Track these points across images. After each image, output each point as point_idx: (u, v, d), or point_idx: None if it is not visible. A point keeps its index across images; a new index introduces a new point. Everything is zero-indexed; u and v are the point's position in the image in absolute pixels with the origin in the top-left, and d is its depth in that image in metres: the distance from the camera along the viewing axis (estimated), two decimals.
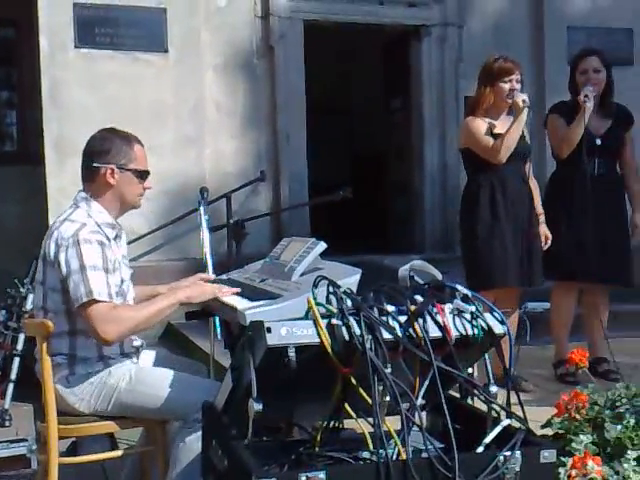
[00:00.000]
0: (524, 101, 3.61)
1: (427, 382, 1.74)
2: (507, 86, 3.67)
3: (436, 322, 1.74)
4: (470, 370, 1.87)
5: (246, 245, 5.26)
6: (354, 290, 1.95)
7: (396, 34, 6.92)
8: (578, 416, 2.20)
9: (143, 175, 2.54)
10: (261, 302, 2.30)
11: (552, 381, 4.03)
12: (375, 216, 7.92)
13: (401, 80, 6.97)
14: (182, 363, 2.79)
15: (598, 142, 3.92)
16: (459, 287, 1.81)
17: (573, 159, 3.91)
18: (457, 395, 1.94)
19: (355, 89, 9.12)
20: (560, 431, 2.28)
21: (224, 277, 2.98)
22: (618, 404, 2.26)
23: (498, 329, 1.78)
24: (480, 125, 3.73)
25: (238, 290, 2.47)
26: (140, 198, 2.59)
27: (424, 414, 2.03)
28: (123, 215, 2.64)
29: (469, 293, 1.80)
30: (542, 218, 3.89)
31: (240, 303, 2.35)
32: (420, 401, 1.78)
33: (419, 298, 1.76)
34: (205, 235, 3.93)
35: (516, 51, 6.75)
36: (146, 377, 2.48)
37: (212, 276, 2.98)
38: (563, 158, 3.97)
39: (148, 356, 2.68)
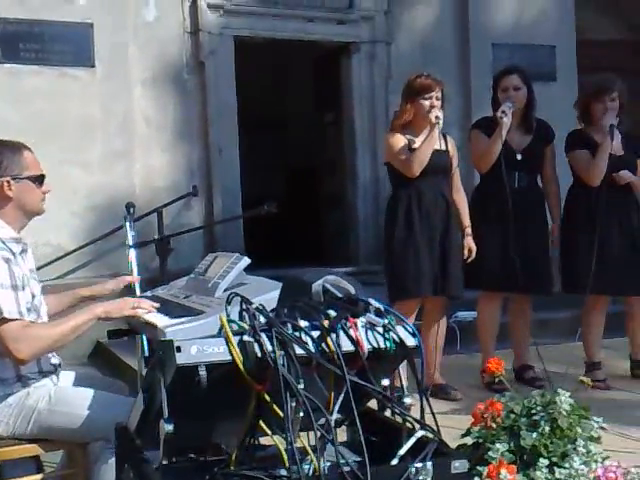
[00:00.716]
0: (437, 117, 3.69)
1: (342, 396, 1.75)
2: (427, 103, 3.76)
3: (349, 336, 1.75)
4: (386, 382, 1.89)
5: (178, 260, 5.24)
6: (274, 305, 1.95)
7: (327, 50, 7.00)
8: (494, 425, 2.24)
9: (39, 180, 2.50)
10: (182, 319, 2.29)
11: (481, 389, 4.10)
12: (310, 229, 7.96)
13: (333, 95, 7.05)
14: (103, 382, 2.75)
15: (519, 157, 4.04)
16: (372, 301, 1.84)
17: (494, 173, 4.01)
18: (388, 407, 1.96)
19: (289, 104, 9.18)
20: (479, 440, 2.32)
21: (149, 294, 2.95)
22: (534, 412, 2.32)
23: (410, 341, 1.81)
24: (398, 140, 3.82)
25: (157, 305, 2.45)
26: (43, 203, 2.54)
27: (343, 428, 2.05)
28: (36, 228, 2.60)
29: (382, 306, 1.82)
30: (468, 230, 3.97)
31: (161, 320, 2.33)
32: (336, 415, 1.79)
33: (332, 313, 1.77)
34: (131, 252, 3.89)
35: (443, 67, 6.92)
36: (66, 397, 2.43)
37: (136, 278, 2.98)
38: (483, 172, 4.07)
39: (67, 377, 2.63)
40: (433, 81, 3.81)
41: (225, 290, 2.55)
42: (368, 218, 6.84)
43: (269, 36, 6.56)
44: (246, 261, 2.76)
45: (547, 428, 2.25)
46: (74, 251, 5.76)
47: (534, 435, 2.24)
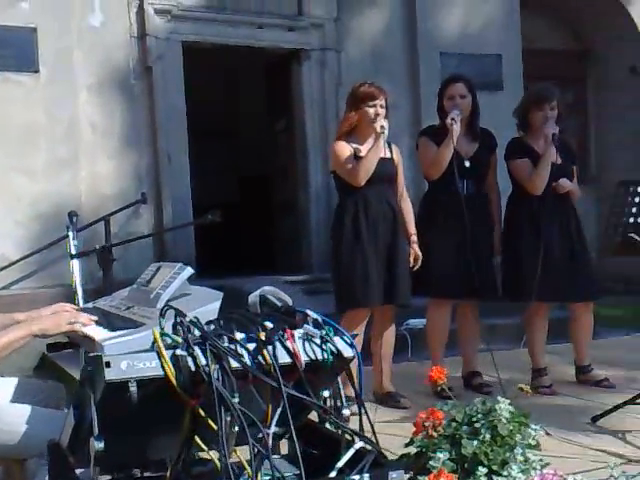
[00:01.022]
0: (382, 127, 3.71)
1: (280, 409, 1.73)
2: (372, 110, 3.77)
3: (286, 348, 1.73)
4: (326, 393, 1.88)
5: (127, 269, 5.16)
6: (215, 316, 1.93)
7: (277, 57, 6.99)
8: (435, 433, 2.25)
9: None
10: (121, 332, 2.24)
11: (430, 396, 4.10)
12: (263, 236, 7.93)
13: (284, 102, 7.04)
14: (45, 388, 2.67)
15: (467, 164, 4.07)
16: (310, 312, 1.82)
17: (443, 180, 4.04)
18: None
19: (241, 110, 9.14)
20: (422, 449, 2.32)
21: (90, 305, 2.89)
22: (475, 420, 2.33)
23: (347, 352, 1.80)
24: (343, 148, 3.82)
25: (95, 318, 2.39)
26: None
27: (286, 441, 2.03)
28: None
29: (319, 317, 1.81)
30: (414, 238, 3.99)
31: (100, 334, 2.28)
32: (274, 429, 1.77)
33: (270, 325, 1.76)
34: (74, 262, 3.82)
35: (392, 75, 6.99)
36: (2, 413, 2.36)
37: (74, 306, 2.87)
38: (434, 179, 4.09)
39: (9, 383, 2.56)
40: (377, 89, 3.83)
41: (167, 301, 2.50)
42: (320, 225, 6.82)
43: (218, 42, 6.51)
44: (189, 271, 2.71)
45: (488, 436, 2.26)
46: (18, 261, 5.63)
47: (475, 443, 2.25)
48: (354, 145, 3.83)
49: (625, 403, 3.56)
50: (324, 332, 1.78)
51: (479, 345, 4.42)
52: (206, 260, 6.61)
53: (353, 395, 1.92)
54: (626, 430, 3.46)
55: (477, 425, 2.31)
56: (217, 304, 2.11)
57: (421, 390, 4.22)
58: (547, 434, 3.41)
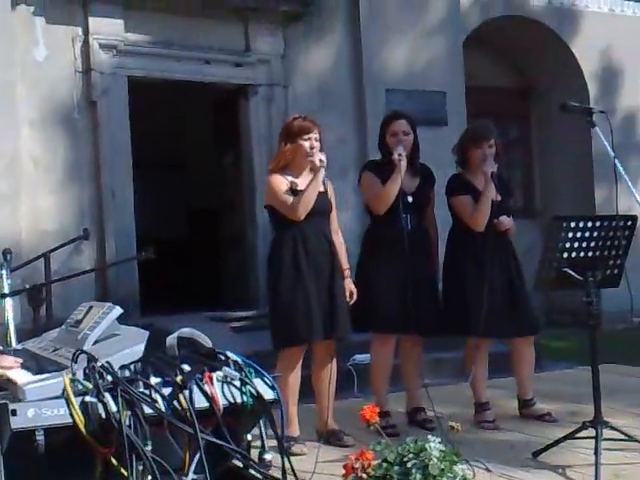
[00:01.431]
0: (321, 160, 3.72)
1: (197, 456, 1.68)
2: (307, 144, 3.78)
3: (204, 392, 1.69)
4: (249, 437, 1.84)
5: (68, 307, 5.01)
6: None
7: (225, 92, 7.00)
8: (364, 475, 2.21)
9: None
10: (44, 375, 2.17)
11: (374, 433, 4.05)
12: (211, 270, 7.86)
13: (232, 136, 7.04)
14: None
15: (410, 199, 4.10)
16: (230, 354, 1.79)
17: (388, 215, 4.05)
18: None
19: (189, 144, 9.12)
20: None
21: (19, 347, 2.81)
22: (406, 460, 2.30)
23: (268, 395, 1.76)
24: (280, 182, 3.80)
25: (20, 360, 2.32)
26: None
27: None
28: None
29: (239, 359, 1.77)
30: (347, 273, 3.97)
31: (23, 377, 2.21)
32: (192, 476, 1.72)
33: (187, 368, 1.71)
34: (7, 301, 3.72)
35: (339, 111, 7.06)
36: None
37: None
38: (381, 214, 4.08)
39: None
40: (311, 122, 3.84)
41: (95, 342, 2.45)
42: None
43: (165, 77, 6.50)
44: (118, 311, 2.67)
45: (419, 476, 2.24)
46: None
47: None
48: (290, 178, 3.83)
49: (565, 438, 3.57)
50: (244, 374, 1.74)
51: (423, 380, 4.41)
52: (152, 296, 6.53)
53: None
54: (566, 465, 3.47)
55: (409, 465, 2.28)
56: (142, 345, 2.06)
57: (365, 427, 4.19)
58: (487, 470, 3.42)
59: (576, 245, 3.47)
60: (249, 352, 2.46)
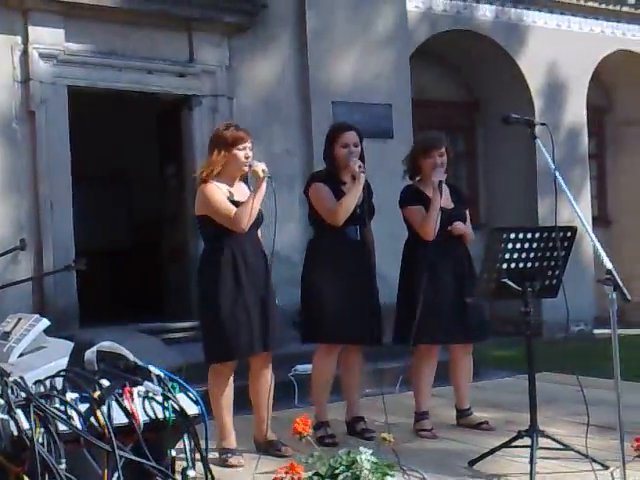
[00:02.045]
0: (264, 171, 3.69)
1: (117, 474, 1.64)
2: (242, 153, 3.75)
3: (123, 408, 1.65)
4: (173, 453, 1.80)
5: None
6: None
7: (169, 103, 6.93)
8: None
9: None
10: None
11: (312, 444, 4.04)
12: (153, 282, 7.76)
13: (174, 148, 6.96)
14: None
15: (358, 211, 4.09)
16: (152, 368, 1.75)
17: (341, 226, 4.03)
18: None
19: (132, 156, 9.01)
20: None
21: None
22: (338, 472, 2.29)
23: (192, 410, 1.73)
24: (217, 192, 3.73)
25: None
26: None
27: None
28: None
29: (162, 373, 1.74)
30: None
31: None
32: None
33: (106, 383, 1.67)
34: None
35: (285, 122, 7.06)
36: None
37: None
38: (339, 225, 4.04)
39: None
40: (245, 132, 3.80)
41: (20, 355, 2.39)
42: None
43: (107, 87, 6.39)
44: (45, 323, 2.61)
45: None
46: None
47: None
48: (225, 187, 3.78)
49: (501, 446, 3.61)
50: (167, 389, 1.70)
51: (363, 390, 4.41)
52: (93, 308, 6.41)
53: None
54: (502, 474, 3.50)
55: (340, 477, 2.27)
56: (66, 358, 2.01)
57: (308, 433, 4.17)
58: (423, 479, 3.44)
59: (515, 256, 3.52)
60: (183, 364, 2.41)
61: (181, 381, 1.76)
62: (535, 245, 3.54)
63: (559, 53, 9.37)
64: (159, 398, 1.70)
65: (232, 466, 3.71)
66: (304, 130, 7.03)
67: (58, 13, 6.17)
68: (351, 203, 4.00)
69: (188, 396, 1.74)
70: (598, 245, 3.20)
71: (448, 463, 3.69)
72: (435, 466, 3.63)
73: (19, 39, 6.09)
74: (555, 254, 3.57)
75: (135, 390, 1.68)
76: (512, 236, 3.49)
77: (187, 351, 4.31)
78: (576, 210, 3.33)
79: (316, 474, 2.28)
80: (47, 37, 6.13)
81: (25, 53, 6.07)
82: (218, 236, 3.75)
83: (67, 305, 6.04)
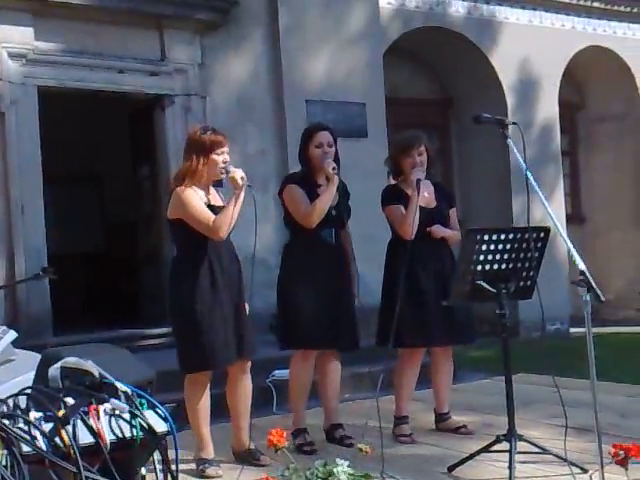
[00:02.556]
0: (242, 178, 3.62)
1: None
2: (220, 158, 3.68)
3: (89, 427, 1.58)
4: (143, 471, 1.73)
5: None
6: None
7: (141, 102, 6.82)
8: None
9: None
10: None
11: (293, 452, 3.97)
12: (129, 286, 7.65)
13: (147, 148, 6.86)
14: None
15: (333, 212, 4.04)
16: (118, 384, 1.68)
17: (316, 229, 3.98)
18: None
19: (106, 156, 8.88)
20: None
21: None
22: None
23: (160, 427, 1.67)
24: (195, 198, 3.66)
25: None
26: None
27: None
28: None
29: (129, 390, 1.67)
30: None
31: None
32: None
33: (70, 401, 1.60)
34: None
35: (259, 121, 6.99)
36: None
37: None
38: (312, 227, 3.99)
39: None
40: (223, 136, 3.72)
41: None
42: None
43: (78, 87, 6.27)
44: (12, 335, 2.53)
45: None
46: None
47: None
48: (201, 192, 3.71)
49: (480, 451, 3.59)
50: (134, 406, 1.64)
51: (342, 395, 4.36)
52: (67, 313, 6.30)
53: None
54: (480, 479, 3.48)
55: None
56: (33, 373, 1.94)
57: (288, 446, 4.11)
58: None
59: (490, 257, 3.49)
60: (154, 377, 2.35)
61: (149, 397, 1.69)
62: (509, 246, 3.51)
63: (531, 49, 9.37)
64: (126, 416, 1.63)
65: (210, 477, 3.66)
66: (278, 129, 6.97)
67: (27, 11, 6.04)
68: (324, 205, 3.95)
69: (157, 413, 1.67)
70: (571, 246, 3.19)
71: (427, 469, 3.67)
72: (414, 472, 3.61)
73: None
74: (529, 255, 3.55)
75: (101, 408, 1.61)
76: (486, 237, 3.46)
77: (162, 358, 4.24)
78: (548, 210, 3.31)
79: None
80: (16, 36, 6.01)
81: None
82: (192, 241, 3.67)
83: (40, 312, 5.93)
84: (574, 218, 10.31)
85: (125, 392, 1.67)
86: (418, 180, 4.04)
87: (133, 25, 6.46)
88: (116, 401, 1.64)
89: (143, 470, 1.69)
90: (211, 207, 3.68)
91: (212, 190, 3.82)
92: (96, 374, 1.69)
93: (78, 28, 6.22)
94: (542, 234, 3.62)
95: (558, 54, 9.63)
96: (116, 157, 8.18)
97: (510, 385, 3.53)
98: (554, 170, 9.65)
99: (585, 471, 3.39)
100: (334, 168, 3.93)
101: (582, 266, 3.12)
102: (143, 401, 1.67)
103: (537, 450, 3.53)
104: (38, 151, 6.06)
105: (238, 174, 3.63)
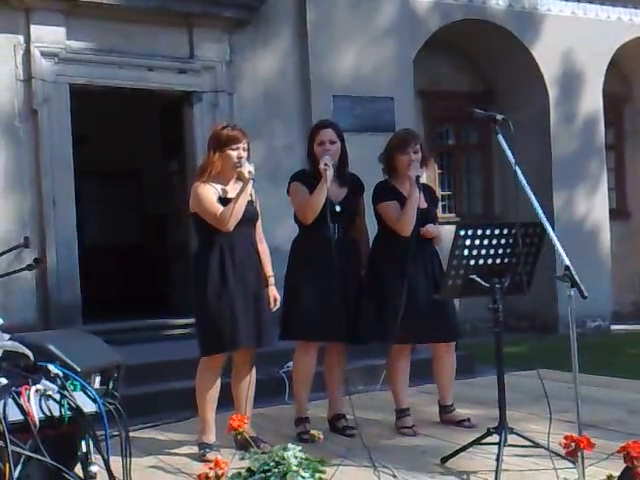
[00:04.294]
0: (250, 172, 3.71)
1: (19, 468, 1.68)
2: (235, 153, 3.77)
3: (19, 406, 1.69)
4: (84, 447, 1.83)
5: (11, 316, 5.02)
6: None
7: (170, 99, 6.99)
8: None
9: None
10: None
11: (294, 440, 4.04)
12: (161, 277, 7.87)
13: (176, 143, 7.03)
14: None
15: (338, 209, 4.09)
16: (51, 367, 1.78)
17: (315, 224, 4.04)
18: None
19: (141, 152, 9.12)
20: None
21: None
22: (267, 468, 2.31)
23: (89, 408, 1.76)
24: (208, 191, 3.77)
25: None
26: None
27: None
28: None
29: (60, 372, 1.77)
30: (272, 280, 3.98)
31: None
32: None
33: (4, 381, 1.71)
34: None
35: (286, 117, 7.07)
36: None
37: None
38: (308, 223, 4.06)
39: None
40: (240, 132, 3.81)
41: None
42: None
43: (108, 84, 6.48)
44: None
45: None
46: None
47: None
48: (219, 187, 3.82)
49: (471, 444, 3.59)
50: (64, 387, 1.74)
51: (352, 387, 4.40)
52: (100, 303, 6.53)
53: None
54: (472, 471, 3.48)
55: (269, 474, 2.29)
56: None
57: (287, 434, 4.19)
58: (393, 476, 3.43)
59: (483, 252, 3.47)
60: (121, 362, 2.46)
61: (80, 380, 1.79)
62: (504, 241, 3.50)
63: (574, 41, 9.18)
64: (57, 396, 1.73)
65: (209, 462, 3.75)
66: (305, 125, 7.00)
67: (59, 12, 6.29)
68: (317, 202, 3.99)
69: (87, 394, 1.77)
70: (556, 241, 3.17)
71: (422, 460, 3.68)
72: (408, 463, 3.62)
73: (21, 38, 6.22)
74: (526, 250, 3.52)
75: (33, 388, 1.72)
76: (477, 232, 3.45)
77: (188, 347, 4.37)
78: (534, 204, 3.30)
79: (248, 470, 2.30)
80: (49, 35, 6.25)
81: (27, 52, 6.20)
82: (209, 233, 3.80)
83: (70, 301, 6.16)
84: (619, 213, 10.06)
85: (57, 374, 1.77)
86: (417, 177, 4.05)
87: (162, 24, 6.63)
88: (47, 382, 1.74)
89: (84, 447, 1.79)
90: (229, 200, 3.78)
91: (234, 184, 3.88)
92: (31, 357, 1.80)
93: (108, 27, 6.43)
94: (538, 229, 3.59)
95: (603, 46, 9.41)
96: (151, 152, 8.40)
97: (502, 377, 3.54)
98: (598, 164, 9.44)
99: (575, 465, 3.34)
100: (326, 164, 3.97)
101: (567, 261, 3.10)
102: (76, 383, 1.77)
103: (528, 443, 3.50)
104: (69, 147, 6.29)
105: (246, 168, 3.73)
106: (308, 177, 4.14)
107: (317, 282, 4.04)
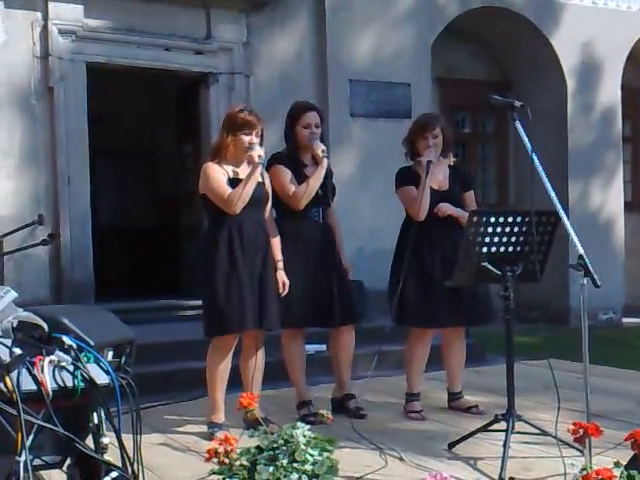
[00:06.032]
0: (260, 156, 3.70)
1: (32, 437, 1.70)
2: (247, 138, 3.75)
3: (33, 375, 1.71)
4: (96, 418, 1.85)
5: (24, 293, 5.04)
6: None
7: (186, 80, 6.99)
8: (227, 460, 2.23)
9: None
10: None
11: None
12: (173, 258, 7.89)
13: (192, 125, 7.02)
14: None
15: (319, 192, 4.08)
16: (65, 338, 1.80)
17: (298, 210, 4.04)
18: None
19: (157, 132, 9.12)
20: (219, 476, 2.30)
21: None
22: (276, 446, 2.32)
23: (101, 379, 1.78)
24: (217, 172, 3.77)
25: None
26: None
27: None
28: None
29: (74, 343, 1.79)
30: (281, 264, 3.98)
31: None
32: (26, 456, 1.73)
33: (18, 351, 1.73)
34: None
35: (303, 100, 7.02)
36: None
37: None
38: (301, 208, 4.03)
39: None
40: (255, 117, 3.79)
41: None
42: None
43: (125, 63, 6.49)
44: (12, 295, 2.67)
45: (285, 461, 2.26)
46: None
47: (270, 469, 2.24)
48: (230, 168, 3.82)
49: (478, 430, 3.59)
50: (77, 359, 1.76)
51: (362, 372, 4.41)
52: (114, 283, 6.56)
53: None
54: (478, 457, 3.49)
55: (278, 452, 2.30)
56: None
57: (297, 417, 4.20)
58: (400, 459, 3.45)
59: (496, 240, 3.46)
60: (133, 338, 2.48)
61: (94, 352, 1.80)
62: (517, 229, 3.48)
63: (594, 32, 9.09)
64: (70, 367, 1.75)
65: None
66: (321, 108, 6.99)
67: None
68: (313, 188, 3.99)
69: (100, 366, 1.78)
70: (571, 231, 3.16)
71: (429, 445, 3.69)
72: (416, 447, 3.63)
73: (39, 15, 6.23)
74: (539, 238, 3.51)
75: (47, 359, 1.74)
76: (492, 220, 3.43)
77: (198, 327, 4.39)
78: (551, 194, 3.28)
79: (257, 447, 2.32)
80: (67, 13, 6.26)
81: (45, 29, 6.21)
82: (218, 214, 3.79)
83: (83, 279, 6.20)
84: (634, 206, 9.99)
85: (71, 346, 1.79)
86: (429, 162, 4.03)
87: (180, 3, 6.61)
88: (61, 353, 1.76)
89: (95, 418, 1.81)
90: (239, 181, 3.78)
91: (245, 167, 3.84)
92: (45, 328, 1.82)
93: (126, 6, 6.42)
94: (552, 218, 3.57)
95: (623, 37, 9.31)
96: (166, 134, 8.41)
97: (511, 366, 3.53)
98: (614, 156, 9.37)
99: (582, 453, 3.35)
100: (323, 151, 3.96)
101: (581, 250, 3.08)
102: (90, 355, 1.78)
103: (536, 431, 3.51)
104: (85, 125, 6.31)
105: (256, 152, 3.72)
106: (288, 160, 4.10)
107: (303, 266, 4.04)
